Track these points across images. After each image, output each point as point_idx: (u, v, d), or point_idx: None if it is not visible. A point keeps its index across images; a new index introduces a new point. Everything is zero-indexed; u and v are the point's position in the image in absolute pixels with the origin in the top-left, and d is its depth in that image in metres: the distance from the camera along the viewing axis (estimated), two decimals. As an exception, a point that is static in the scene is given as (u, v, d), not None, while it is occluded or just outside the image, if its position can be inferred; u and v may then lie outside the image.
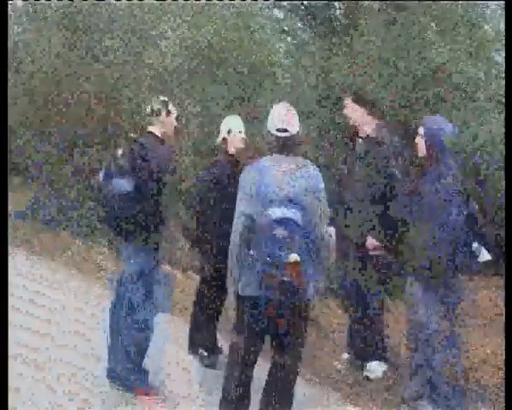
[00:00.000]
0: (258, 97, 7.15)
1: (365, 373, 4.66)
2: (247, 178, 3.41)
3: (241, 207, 3.37)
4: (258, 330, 3.42)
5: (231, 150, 4.73)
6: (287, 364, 3.47)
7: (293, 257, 3.15)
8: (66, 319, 5.50)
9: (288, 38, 8.24)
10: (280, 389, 3.48)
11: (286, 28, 8.10)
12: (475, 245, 3.89)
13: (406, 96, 6.09)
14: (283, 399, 3.49)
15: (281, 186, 3.30)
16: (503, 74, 6.47)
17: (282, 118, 3.47)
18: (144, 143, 4.09)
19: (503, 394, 3.87)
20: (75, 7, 9.17)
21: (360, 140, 4.67)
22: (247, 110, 6.44)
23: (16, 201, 9.05)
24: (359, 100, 4.69)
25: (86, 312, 5.74)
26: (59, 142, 8.86)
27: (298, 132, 3.50)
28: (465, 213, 3.87)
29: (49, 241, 8.48)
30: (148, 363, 4.18)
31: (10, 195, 8.48)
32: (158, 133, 4.20)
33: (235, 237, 3.37)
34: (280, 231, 3.16)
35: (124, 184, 3.95)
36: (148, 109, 4.23)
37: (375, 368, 4.65)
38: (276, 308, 3.32)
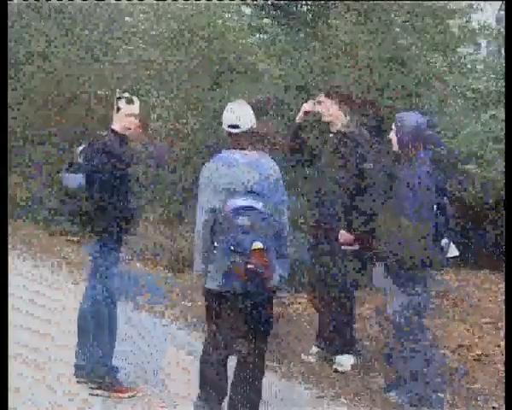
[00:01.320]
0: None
1: (334, 367, 4.67)
2: (208, 172, 3.51)
3: (203, 201, 3.46)
4: (227, 321, 3.48)
5: None
6: (254, 354, 3.50)
7: (257, 245, 3.21)
8: (67, 319, 5.49)
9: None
10: (248, 380, 3.50)
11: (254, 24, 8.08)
12: (445, 240, 3.91)
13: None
14: (252, 390, 3.51)
15: (241, 178, 3.40)
16: (464, 69, 6.60)
17: (232, 114, 3.56)
18: (99, 139, 4.15)
19: (502, 394, 3.88)
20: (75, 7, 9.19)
21: (331, 135, 4.71)
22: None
23: (16, 201, 9.05)
24: (332, 95, 4.69)
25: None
26: (59, 142, 8.85)
27: (251, 127, 3.57)
28: (435, 207, 3.87)
29: (49, 241, 8.48)
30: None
31: (10, 195, 8.52)
32: (118, 129, 4.20)
33: (198, 231, 3.46)
34: (242, 220, 3.23)
35: (75, 179, 4.05)
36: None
37: (344, 361, 4.66)
38: (242, 298, 3.38)
